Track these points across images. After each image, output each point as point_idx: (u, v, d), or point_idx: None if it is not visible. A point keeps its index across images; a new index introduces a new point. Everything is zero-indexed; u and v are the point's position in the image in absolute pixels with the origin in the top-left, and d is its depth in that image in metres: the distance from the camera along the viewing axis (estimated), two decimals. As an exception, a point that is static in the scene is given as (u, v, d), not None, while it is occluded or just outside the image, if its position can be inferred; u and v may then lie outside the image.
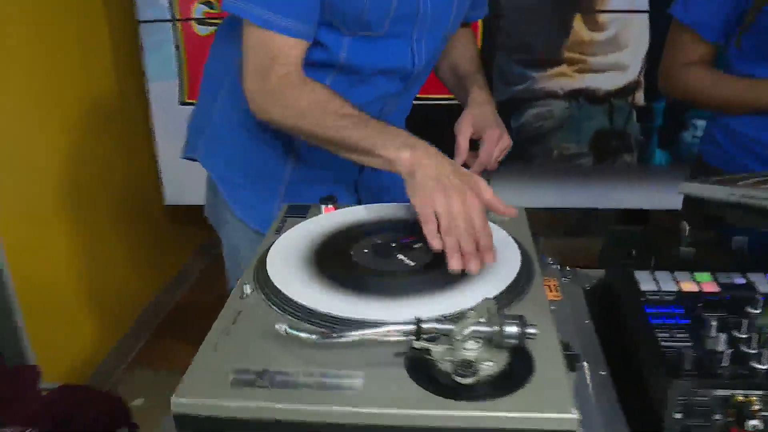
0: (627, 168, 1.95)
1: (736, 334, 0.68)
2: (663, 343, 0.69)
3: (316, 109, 0.87)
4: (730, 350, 0.65)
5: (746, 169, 1.09)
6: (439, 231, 0.76)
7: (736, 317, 0.71)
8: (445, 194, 0.76)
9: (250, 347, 0.63)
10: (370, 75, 0.99)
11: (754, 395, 0.61)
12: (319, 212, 0.94)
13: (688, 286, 0.79)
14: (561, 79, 1.88)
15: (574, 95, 1.90)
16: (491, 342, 0.59)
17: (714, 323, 0.68)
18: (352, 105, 0.87)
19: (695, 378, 0.63)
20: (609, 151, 1.93)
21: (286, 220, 0.92)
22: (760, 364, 0.63)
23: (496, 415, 0.54)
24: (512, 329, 0.58)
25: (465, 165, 1.01)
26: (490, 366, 0.58)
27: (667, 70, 1.15)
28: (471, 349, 0.59)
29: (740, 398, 0.61)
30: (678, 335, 0.70)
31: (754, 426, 0.59)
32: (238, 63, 1.06)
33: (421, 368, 0.59)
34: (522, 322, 0.58)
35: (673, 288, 0.79)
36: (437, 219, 0.76)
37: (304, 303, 0.68)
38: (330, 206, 0.94)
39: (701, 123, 1.84)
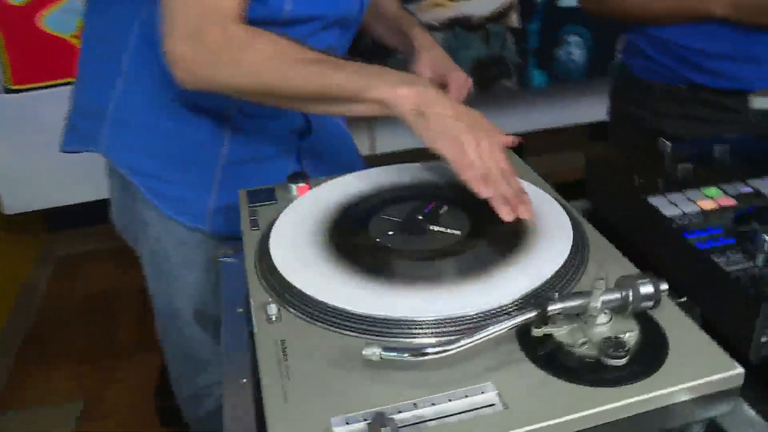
0: (508, 93, 1.95)
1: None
2: (727, 269, 0.65)
3: (275, 62, 0.70)
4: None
5: (687, 80, 1.09)
6: None
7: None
8: (473, 135, 0.68)
9: (330, 386, 0.49)
10: (316, 28, 0.83)
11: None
12: (290, 194, 0.78)
13: (707, 204, 0.76)
14: (436, 10, 1.80)
15: (450, 25, 1.83)
16: (621, 310, 0.51)
17: (767, 238, 0.66)
18: (316, 49, 0.72)
19: (783, 297, 0.60)
20: (489, 78, 1.91)
21: (256, 210, 0.76)
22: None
23: (669, 391, 0.47)
24: (648, 289, 0.50)
25: None
26: (632, 337, 0.50)
27: None
28: (604, 324, 0.50)
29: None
30: (734, 257, 0.67)
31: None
32: (140, 28, 0.84)
33: (554, 359, 0.49)
34: (652, 279, 0.50)
35: (695, 208, 0.76)
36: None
37: (370, 313, 0.54)
38: (302, 184, 0.79)
39: (575, 39, 1.88)
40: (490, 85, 1.93)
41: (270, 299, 0.58)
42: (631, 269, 0.60)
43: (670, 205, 0.76)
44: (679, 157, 0.87)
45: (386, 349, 0.48)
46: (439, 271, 0.59)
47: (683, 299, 0.57)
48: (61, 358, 2.05)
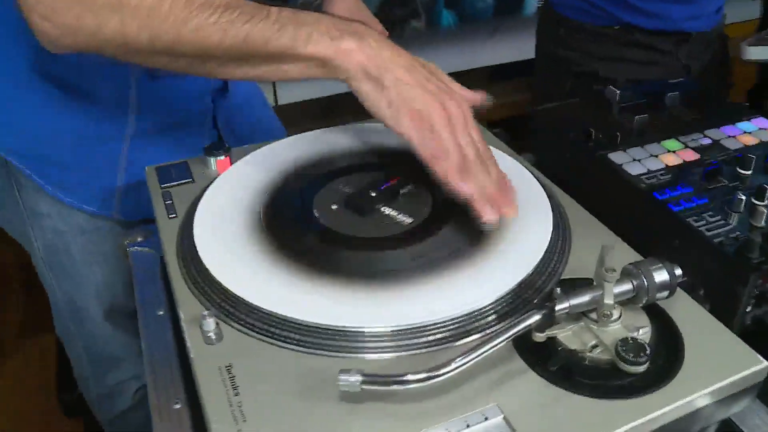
0: (417, 35, 1.84)
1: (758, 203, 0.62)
2: (708, 233, 0.60)
3: (171, 6, 0.52)
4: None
5: (618, 20, 1.04)
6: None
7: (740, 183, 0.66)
8: (440, 104, 0.52)
9: (299, 425, 0.39)
10: None
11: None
12: (209, 169, 0.66)
13: (670, 159, 0.71)
14: (339, -56, 1.64)
15: (355, -39, 1.69)
16: (632, 303, 0.44)
17: (743, 197, 0.62)
18: None
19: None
20: (397, 20, 1.79)
21: (169, 192, 0.63)
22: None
23: (694, 396, 0.40)
24: (663, 276, 0.43)
25: None
26: (647, 335, 0.43)
27: None
28: (615, 321, 0.43)
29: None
30: (711, 219, 0.62)
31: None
32: None
33: (563, 369, 0.42)
34: (667, 264, 0.44)
35: (659, 164, 0.70)
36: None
37: (334, 324, 0.44)
38: (222, 157, 0.66)
39: (484, -24, 1.79)
40: (397, 26, 1.81)
41: (205, 311, 0.46)
42: (628, 252, 0.53)
43: (633, 162, 0.71)
44: (629, 106, 0.81)
45: (366, 375, 0.39)
46: (408, 265, 0.50)
47: (683, 279, 0.51)
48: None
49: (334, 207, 0.57)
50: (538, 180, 0.61)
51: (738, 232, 0.59)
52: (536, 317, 0.41)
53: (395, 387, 0.39)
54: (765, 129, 0.75)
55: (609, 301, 0.41)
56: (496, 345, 0.40)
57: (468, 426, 0.39)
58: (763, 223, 0.59)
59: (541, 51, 1.20)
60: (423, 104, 0.52)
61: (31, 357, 1.68)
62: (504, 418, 0.39)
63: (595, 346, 0.42)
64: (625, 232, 0.68)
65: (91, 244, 0.78)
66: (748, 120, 0.77)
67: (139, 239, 0.70)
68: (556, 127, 0.80)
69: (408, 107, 0.52)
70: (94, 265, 0.79)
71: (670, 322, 0.45)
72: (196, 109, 0.79)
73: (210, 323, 0.46)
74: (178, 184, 0.63)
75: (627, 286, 0.43)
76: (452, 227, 0.54)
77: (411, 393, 0.40)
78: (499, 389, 0.41)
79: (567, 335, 0.43)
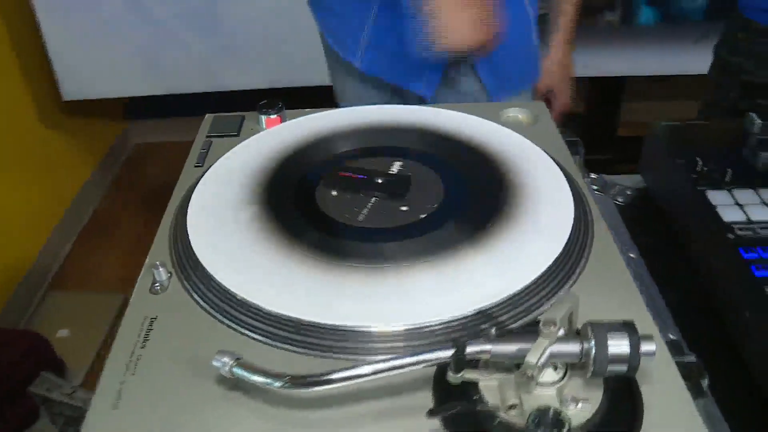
0: (609, 29, 1.68)
1: None
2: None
3: None
4: None
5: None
6: None
7: None
8: None
9: (180, 400, 0.38)
10: None
11: None
12: (259, 125, 0.66)
13: (785, 213, 0.57)
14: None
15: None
16: (581, 368, 0.35)
17: None
18: None
19: None
20: (589, 10, 1.65)
21: (209, 141, 0.64)
22: None
23: None
24: (620, 348, 0.34)
25: None
26: (583, 410, 0.35)
27: None
28: (551, 384, 0.35)
29: None
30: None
31: None
32: None
33: (467, 421, 0.35)
34: (634, 333, 0.34)
35: (766, 217, 0.57)
36: None
37: (262, 305, 0.42)
38: (273, 116, 0.66)
39: (696, -28, 1.57)
40: (589, 16, 1.66)
41: (158, 261, 0.46)
42: (633, 298, 0.43)
43: (733, 207, 0.58)
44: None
45: (243, 364, 0.36)
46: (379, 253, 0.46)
47: (691, 358, 0.40)
48: (115, 248, 2.09)
49: (343, 188, 0.54)
50: (573, 192, 0.52)
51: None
52: (442, 354, 0.35)
53: (264, 383, 0.35)
54: None
55: (532, 359, 0.33)
56: (381, 372, 0.34)
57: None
58: None
59: (715, 58, 1.05)
60: None
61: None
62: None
63: (513, 407, 0.35)
64: (704, 288, 0.57)
65: (349, 86, 0.94)
66: None
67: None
68: (672, 149, 0.68)
69: None
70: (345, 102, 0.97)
71: (636, 406, 0.35)
72: None
73: (162, 273, 0.46)
74: (222, 136, 0.64)
75: (572, 348, 0.34)
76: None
77: (294, 397, 0.37)
78: (386, 420, 0.36)
79: (491, 384, 0.36)
